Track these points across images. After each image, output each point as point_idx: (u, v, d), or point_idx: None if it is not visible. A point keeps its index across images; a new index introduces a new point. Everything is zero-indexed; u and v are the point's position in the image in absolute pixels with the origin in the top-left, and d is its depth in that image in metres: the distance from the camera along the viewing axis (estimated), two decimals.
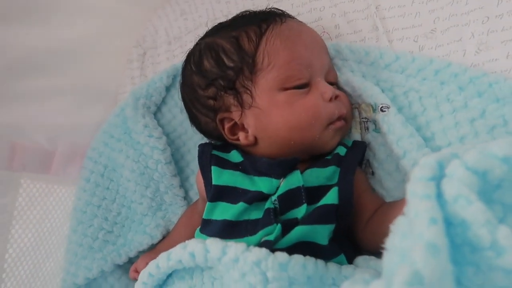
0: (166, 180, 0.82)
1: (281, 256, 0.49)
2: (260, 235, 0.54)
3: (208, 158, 0.65)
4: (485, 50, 0.60)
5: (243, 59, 0.64)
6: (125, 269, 0.83)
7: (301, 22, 0.70)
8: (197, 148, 0.84)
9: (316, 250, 0.53)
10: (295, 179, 0.58)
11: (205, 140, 0.86)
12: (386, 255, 0.42)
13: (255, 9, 0.72)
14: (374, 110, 0.66)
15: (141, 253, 0.81)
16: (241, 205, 0.58)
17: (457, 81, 0.60)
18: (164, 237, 0.81)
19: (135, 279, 0.72)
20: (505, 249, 0.35)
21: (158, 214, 0.82)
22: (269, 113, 0.62)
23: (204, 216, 0.63)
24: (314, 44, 0.67)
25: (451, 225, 0.38)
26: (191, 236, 0.69)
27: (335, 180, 0.60)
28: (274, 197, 0.58)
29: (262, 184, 0.60)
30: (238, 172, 0.62)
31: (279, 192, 0.58)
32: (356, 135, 0.70)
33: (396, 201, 0.61)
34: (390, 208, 0.58)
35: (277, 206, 0.57)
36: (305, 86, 0.63)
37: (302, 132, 0.62)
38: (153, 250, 0.79)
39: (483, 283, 0.38)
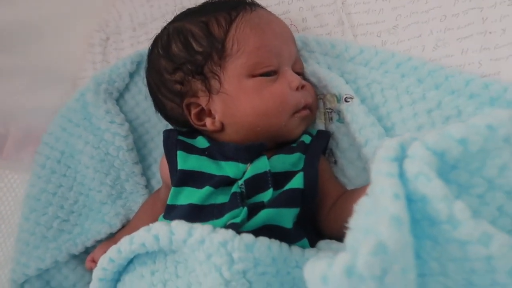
0: (128, 167, 0.80)
1: (247, 237, 0.49)
2: (226, 218, 0.54)
3: (174, 143, 0.64)
4: (442, 46, 0.64)
5: (212, 44, 0.64)
6: (81, 260, 0.79)
7: (270, 12, 0.71)
8: (161, 136, 0.83)
9: (280, 233, 0.54)
10: (262, 164, 0.59)
11: (169, 128, 0.85)
12: (349, 233, 0.43)
13: None
14: (338, 101, 0.68)
15: (98, 242, 0.78)
16: (207, 189, 0.58)
17: (416, 74, 0.63)
18: (123, 226, 0.79)
19: (92, 269, 0.69)
20: (461, 222, 0.37)
21: (118, 202, 0.79)
22: (237, 99, 0.63)
23: (168, 202, 0.62)
24: (283, 34, 0.68)
25: (412, 202, 0.40)
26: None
27: (300, 166, 0.61)
28: (240, 181, 0.58)
29: (228, 168, 0.60)
30: (204, 157, 0.62)
31: (246, 176, 0.58)
32: (320, 125, 0.72)
33: (358, 188, 0.63)
34: (352, 194, 0.60)
35: (243, 190, 0.58)
36: (273, 73, 0.64)
37: (269, 119, 0.62)
38: (112, 239, 0.76)
39: (440, 255, 0.40)
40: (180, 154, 0.62)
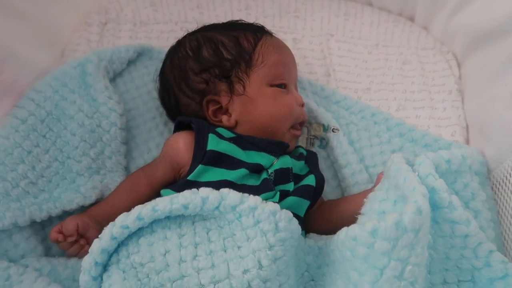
0: (114, 145, 0.80)
1: (288, 212, 0.57)
2: (262, 197, 0.63)
3: (207, 126, 0.71)
4: (402, 109, 0.88)
5: (241, 54, 0.76)
6: (35, 230, 0.73)
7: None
8: (147, 124, 0.90)
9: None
10: (287, 161, 0.71)
11: (156, 121, 0.89)
12: (362, 217, 0.58)
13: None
14: (325, 130, 0.85)
15: (66, 214, 0.73)
16: (242, 171, 0.66)
17: (386, 123, 0.84)
18: (97, 202, 0.76)
19: (57, 242, 0.66)
20: (456, 207, 0.55)
21: (96, 177, 0.78)
22: (256, 102, 0.74)
23: (190, 178, 0.66)
24: (292, 59, 0.84)
25: None
26: (135, 203, 0.65)
27: (305, 172, 0.74)
28: (271, 170, 0.68)
29: (260, 158, 0.69)
30: (233, 145, 0.70)
31: (275, 167, 0.69)
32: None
33: (339, 198, 0.79)
34: (335, 202, 0.76)
35: (272, 178, 0.67)
36: (284, 86, 0.77)
37: (278, 123, 0.75)
38: (84, 212, 0.73)
39: (434, 232, 0.57)
40: (212, 136, 0.68)
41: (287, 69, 0.79)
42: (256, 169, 0.68)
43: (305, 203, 0.69)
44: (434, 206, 0.56)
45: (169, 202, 0.57)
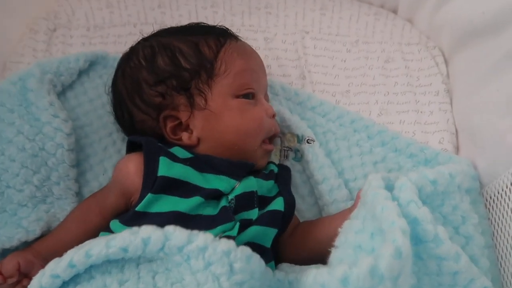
0: (62, 169, 0.71)
1: (246, 249, 0.49)
2: (218, 230, 0.54)
3: (157, 148, 0.62)
4: (385, 114, 0.79)
5: (202, 63, 0.67)
6: None
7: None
8: (102, 143, 0.81)
9: (260, 252, 0.56)
10: (251, 183, 0.62)
11: (113, 137, 0.80)
12: (336, 251, 0.50)
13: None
14: (299, 141, 0.77)
15: (6, 251, 0.65)
16: (197, 199, 0.57)
17: (367, 131, 0.76)
18: (42, 235, 0.68)
19: None
20: (443, 241, 0.47)
21: (41, 207, 0.69)
22: (221, 116, 0.65)
23: (138, 208, 0.58)
24: (261, 65, 0.75)
25: None
26: (86, 235, 0.62)
27: (274, 192, 0.66)
28: (231, 196, 0.59)
29: (218, 182, 0.60)
30: (188, 167, 0.61)
31: (236, 192, 0.60)
32: (275, 161, 0.78)
33: (316, 219, 0.70)
34: (314, 224, 0.67)
35: (233, 205, 0.59)
36: (251, 96, 0.69)
37: (247, 138, 0.66)
38: (28, 248, 0.65)
39: (419, 270, 0.49)
40: (163, 160, 0.60)
41: (255, 77, 0.70)
42: (214, 195, 0.60)
43: (272, 232, 0.60)
44: (418, 239, 0.48)
45: (104, 245, 0.49)
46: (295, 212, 0.74)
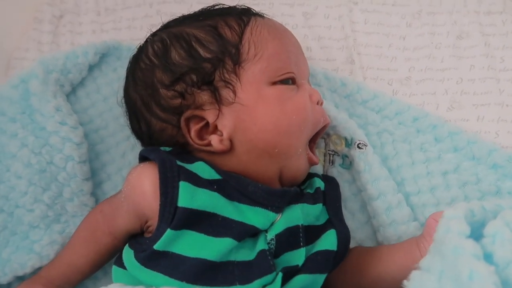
0: (75, 184, 0.64)
1: None
2: (256, 284, 0.44)
3: (175, 169, 0.50)
4: (458, 108, 0.64)
5: (225, 49, 0.55)
6: None
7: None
8: (120, 147, 0.72)
9: None
10: (295, 216, 0.50)
11: (131, 141, 0.70)
12: None
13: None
14: (348, 145, 0.63)
15: (19, 279, 0.59)
16: (228, 242, 0.47)
17: (434, 132, 0.62)
18: None
19: None
20: None
21: (55, 227, 0.63)
22: (255, 110, 0.53)
23: (157, 247, 0.48)
24: (298, 47, 0.62)
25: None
26: (98, 255, 0.56)
27: (323, 221, 0.54)
28: (270, 236, 0.48)
29: (254, 216, 0.49)
30: (215, 193, 0.50)
31: (277, 229, 0.49)
32: (318, 167, 0.66)
33: (373, 249, 0.58)
34: (371, 256, 0.55)
35: (273, 246, 0.48)
36: (293, 81, 0.57)
37: (290, 139, 0.54)
38: (38, 277, 0.58)
39: None
40: (184, 186, 0.48)
41: (294, 59, 0.58)
42: (250, 233, 0.49)
43: (322, 278, 0.50)
44: None
45: None
46: None
